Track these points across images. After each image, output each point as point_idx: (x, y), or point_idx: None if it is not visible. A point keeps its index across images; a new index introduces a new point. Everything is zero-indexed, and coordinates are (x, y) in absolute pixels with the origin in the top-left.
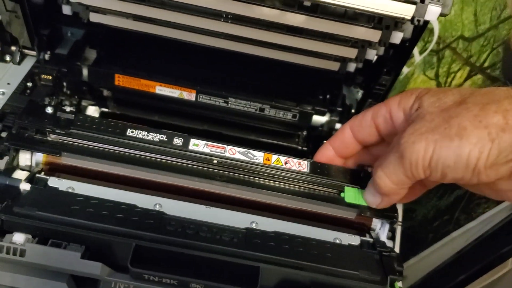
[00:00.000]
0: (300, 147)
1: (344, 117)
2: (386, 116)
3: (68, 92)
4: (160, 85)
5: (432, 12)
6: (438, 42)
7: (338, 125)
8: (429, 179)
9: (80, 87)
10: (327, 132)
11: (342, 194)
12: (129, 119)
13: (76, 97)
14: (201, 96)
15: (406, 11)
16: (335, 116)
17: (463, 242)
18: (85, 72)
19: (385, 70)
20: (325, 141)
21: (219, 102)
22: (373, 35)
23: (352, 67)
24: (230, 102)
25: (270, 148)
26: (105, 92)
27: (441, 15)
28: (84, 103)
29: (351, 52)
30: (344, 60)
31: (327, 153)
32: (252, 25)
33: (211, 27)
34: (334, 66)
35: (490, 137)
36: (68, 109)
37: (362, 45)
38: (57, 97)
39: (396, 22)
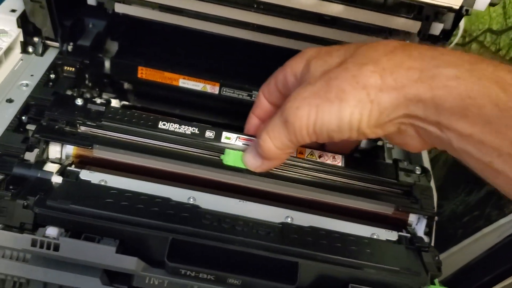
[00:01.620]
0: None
1: None
2: (284, 81)
3: (90, 84)
4: (184, 78)
5: (482, 1)
6: (464, 35)
7: None
8: (318, 142)
9: (101, 79)
10: None
11: (221, 157)
12: (151, 113)
13: (97, 89)
14: (224, 89)
15: (455, 0)
16: None
17: (495, 238)
18: (107, 64)
19: None
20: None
21: (243, 95)
22: (412, 26)
23: None
24: (253, 96)
25: None
26: (126, 85)
27: (491, 4)
28: (105, 95)
29: (414, 25)
30: None
31: (253, 122)
32: (284, 15)
33: (241, 18)
34: None
35: (369, 98)
36: (98, 101)
37: (427, 16)
38: (79, 90)
39: (436, 13)
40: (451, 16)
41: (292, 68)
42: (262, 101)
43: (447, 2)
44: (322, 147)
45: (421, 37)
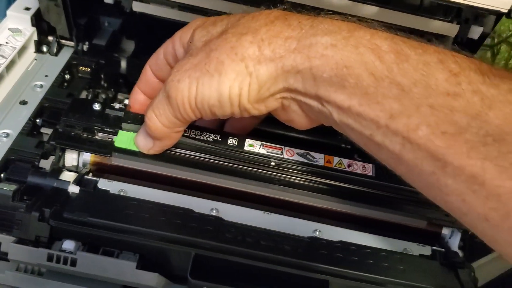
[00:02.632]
0: (343, 145)
1: None
2: (173, 53)
3: (105, 85)
4: None
5: None
6: (493, 36)
7: None
8: (204, 118)
9: (117, 79)
10: None
11: (114, 139)
12: None
13: (113, 90)
14: None
15: (504, 3)
16: None
17: None
18: (123, 64)
19: None
20: None
21: None
22: (450, 29)
23: None
24: None
25: (311, 145)
26: None
27: None
28: (120, 96)
29: (452, 29)
30: (429, 41)
31: (138, 97)
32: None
33: None
34: None
35: (248, 71)
36: (117, 106)
37: (466, 19)
38: (94, 90)
39: (476, 16)
40: (491, 19)
41: (181, 38)
42: (149, 75)
43: (495, 5)
44: (221, 127)
45: (459, 40)
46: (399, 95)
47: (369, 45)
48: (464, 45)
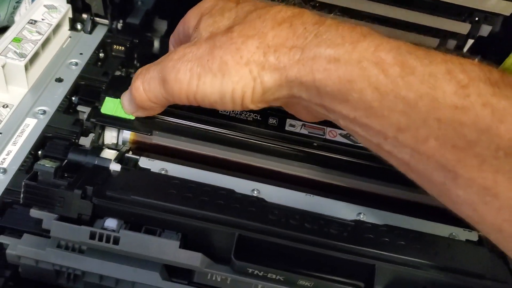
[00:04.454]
0: None
1: None
2: (183, 32)
3: (138, 64)
4: None
5: None
6: None
7: None
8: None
9: (149, 59)
10: None
11: (102, 106)
12: None
13: None
14: None
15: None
16: None
17: None
18: (156, 44)
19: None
20: None
21: None
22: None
23: (452, 44)
24: None
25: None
26: None
27: None
28: None
29: (463, 28)
30: (444, 36)
31: None
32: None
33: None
34: (433, 43)
35: (252, 76)
36: None
37: (477, 19)
38: (127, 70)
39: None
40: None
41: (188, 21)
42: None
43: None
44: None
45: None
46: (406, 109)
47: (373, 59)
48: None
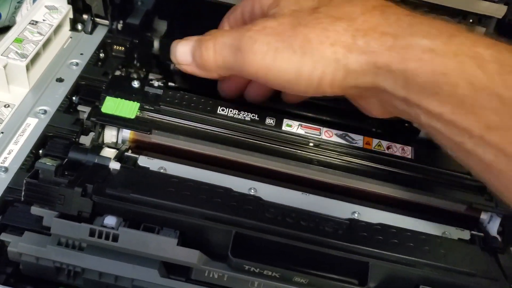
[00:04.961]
0: (374, 129)
1: None
2: (251, 12)
3: (138, 64)
4: None
5: None
6: None
7: None
8: (267, 85)
9: (149, 59)
10: None
11: (102, 105)
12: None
13: (144, 70)
14: None
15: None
16: None
17: None
18: (156, 44)
19: None
20: None
21: None
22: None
23: None
24: None
25: (341, 129)
26: (173, 66)
27: None
28: (151, 76)
29: None
30: None
31: None
32: None
33: None
34: None
35: (335, 56)
36: (156, 83)
37: (470, 21)
38: (127, 70)
39: None
40: None
41: (260, 1)
42: (225, 21)
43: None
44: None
45: (506, 22)
46: (499, 107)
47: (470, 53)
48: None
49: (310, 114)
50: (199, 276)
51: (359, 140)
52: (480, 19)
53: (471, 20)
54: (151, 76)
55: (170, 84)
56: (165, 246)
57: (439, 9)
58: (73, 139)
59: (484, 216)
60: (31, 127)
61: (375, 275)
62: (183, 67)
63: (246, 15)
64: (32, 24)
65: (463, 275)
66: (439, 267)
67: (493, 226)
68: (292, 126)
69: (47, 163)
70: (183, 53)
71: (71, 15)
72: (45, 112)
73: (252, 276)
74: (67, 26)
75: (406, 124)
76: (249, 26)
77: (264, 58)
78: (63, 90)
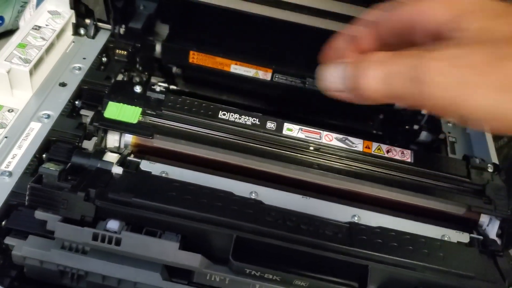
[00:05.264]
0: (374, 131)
1: None
2: (409, 25)
3: (140, 68)
4: (236, 64)
5: None
6: None
7: (424, 110)
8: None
9: (151, 63)
10: (410, 116)
11: (105, 110)
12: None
13: (146, 73)
14: (277, 76)
15: None
16: None
17: None
18: (158, 48)
19: None
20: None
21: (296, 82)
22: None
23: None
24: (307, 83)
25: (342, 131)
26: (175, 69)
27: None
28: (153, 79)
29: None
30: None
31: (338, 46)
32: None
33: (298, 1)
34: None
35: None
36: (157, 88)
37: None
38: (129, 73)
39: None
40: None
41: (428, 15)
42: (363, 30)
43: None
44: None
45: None
46: None
47: None
48: None
49: (310, 117)
50: (200, 279)
51: (359, 144)
52: None
53: None
54: (153, 80)
55: (172, 87)
56: (167, 250)
57: None
58: (76, 144)
59: (483, 219)
60: (35, 132)
61: (374, 278)
62: (333, 93)
63: (399, 28)
64: (35, 29)
65: (461, 278)
66: (438, 270)
67: (492, 229)
68: (292, 130)
69: (51, 168)
70: (334, 78)
71: (73, 20)
72: (48, 116)
73: (253, 279)
74: (69, 30)
75: (407, 127)
76: (432, 54)
77: (455, 92)
78: (66, 94)
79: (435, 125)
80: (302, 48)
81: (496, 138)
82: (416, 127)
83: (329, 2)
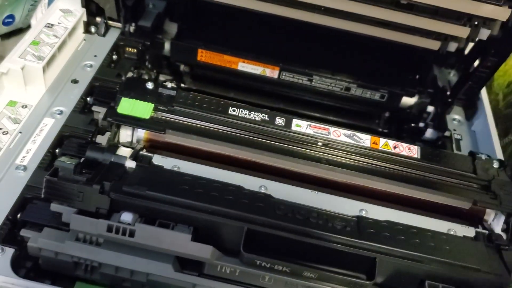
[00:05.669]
0: (380, 129)
1: (437, 99)
2: None
3: (149, 66)
4: (243, 62)
5: None
6: None
7: (429, 108)
8: None
9: (159, 61)
10: (416, 114)
11: (118, 106)
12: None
13: (155, 71)
14: (284, 74)
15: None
16: (425, 98)
17: None
18: (167, 46)
19: (493, 51)
20: None
21: (303, 80)
22: (501, 13)
23: (453, 46)
24: (313, 81)
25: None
26: (182, 67)
27: None
28: (161, 77)
29: (463, 31)
30: (446, 39)
31: None
32: None
33: (309, 0)
34: (435, 45)
35: None
36: (169, 85)
37: (476, 23)
38: (138, 71)
39: None
40: None
41: None
42: None
43: None
44: None
45: (510, 25)
46: None
47: None
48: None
49: (317, 114)
50: (211, 270)
51: (366, 139)
52: (484, 22)
53: (476, 23)
54: (161, 77)
55: (181, 84)
56: (179, 241)
57: (442, 13)
58: (89, 139)
59: (489, 214)
60: (48, 127)
61: (382, 270)
62: None
63: None
64: (48, 27)
65: (467, 270)
66: (444, 263)
67: (498, 224)
68: (301, 126)
69: (66, 161)
70: None
71: (85, 18)
72: (61, 112)
73: (263, 270)
74: (81, 28)
75: (413, 125)
76: None
77: None
78: (78, 91)
79: (441, 122)
80: (309, 46)
81: (501, 135)
82: (422, 124)
83: (336, 1)
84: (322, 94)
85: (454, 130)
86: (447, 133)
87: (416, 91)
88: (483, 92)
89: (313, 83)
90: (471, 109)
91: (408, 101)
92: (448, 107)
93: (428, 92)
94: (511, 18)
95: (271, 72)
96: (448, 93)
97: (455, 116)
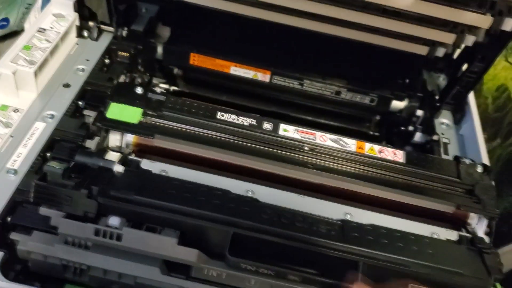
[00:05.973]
0: (371, 132)
1: (426, 103)
2: None
3: (142, 69)
4: (235, 66)
5: None
6: None
7: (419, 112)
8: None
9: (152, 64)
10: (405, 118)
11: (107, 110)
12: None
13: (148, 74)
14: (275, 78)
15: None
16: (415, 102)
17: None
18: (159, 50)
19: (479, 56)
20: None
21: (294, 84)
22: (484, 21)
23: (441, 52)
24: (305, 85)
25: (339, 132)
26: (176, 71)
27: None
28: (154, 80)
29: (449, 37)
30: (433, 44)
31: None
32: (345, 5)
33: (298, 6)
34: (423, 50)
35: None
36: (158, 90)
37: (461, 30)
38: (131, 75)
39: (510, 8)
40: None
41: None
42: None
43: None
44: None
45: (492, 32)
46: None
47: None
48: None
49: (308, 118)
50: (198, 274)
51: (352, 144)
52: (469, 29)
53: (461, 30)
54: (154, 81)
55: (173, 88)
56: (166, 245)
57: (428, 20)
58: (79, 143)
59: (472, 218)
60: (39, 131)
61: (365, 274)
62: None
63: None
64: (40, 31)
65: (449, 274)
66: (427, 267)
67: (481, 227)
68: (288, 131)
69: (55, 166)
70: None
71: (77, 23)
72: (52, 116)
73: (249, 274)
74: (73, 33)
75: (402, 128)
76: None
77: None
78: (69, 95)
79: (429, 126)
80: (300, 51)
81: (490, 139)
82: (411, 128)
83: (326, 7)
84: (313, 98)
85: (442, 134)
86: (435, 137)
87: (406, 95)
88: (471, 96)
89: (304, 87)
90: (459, 113)
91: (398, 104)
92: (436, 111)
93: (418, 96)
94: (494, 25)
95: (262, 76)
96: (437, 97)
97: (444, 120)
